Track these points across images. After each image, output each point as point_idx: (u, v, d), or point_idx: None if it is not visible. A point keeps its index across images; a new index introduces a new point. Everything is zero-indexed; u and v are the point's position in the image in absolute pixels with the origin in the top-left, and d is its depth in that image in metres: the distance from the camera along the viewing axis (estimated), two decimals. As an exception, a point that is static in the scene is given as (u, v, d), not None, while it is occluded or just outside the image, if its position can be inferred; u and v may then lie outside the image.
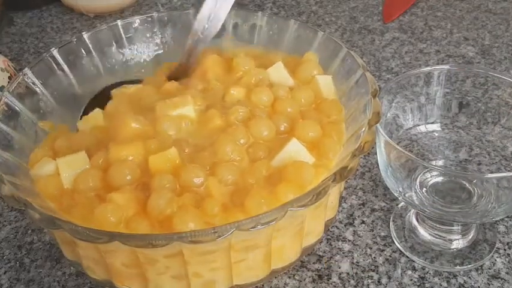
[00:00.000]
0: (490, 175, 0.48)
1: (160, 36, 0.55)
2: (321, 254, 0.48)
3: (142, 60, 0.54)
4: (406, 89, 0.50)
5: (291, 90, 0.47)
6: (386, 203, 0.52)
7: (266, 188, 0.39)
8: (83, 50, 0.51)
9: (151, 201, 0.38)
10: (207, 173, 0.40)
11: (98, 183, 0.40)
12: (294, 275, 0.46)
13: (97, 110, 0.46)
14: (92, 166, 0.41)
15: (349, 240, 0.49)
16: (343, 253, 0.48)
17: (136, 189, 0.40)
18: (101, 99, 0.48)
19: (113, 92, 0.49)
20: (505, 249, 0.47)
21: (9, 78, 0.61)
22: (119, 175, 0.40)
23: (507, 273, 0.46)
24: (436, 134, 0.52)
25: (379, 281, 0.45)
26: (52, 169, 0.42)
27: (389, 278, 0.46)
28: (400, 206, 0.52)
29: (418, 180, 0.48)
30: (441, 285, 0.45)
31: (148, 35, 0.54)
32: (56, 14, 0.86)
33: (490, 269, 0.46)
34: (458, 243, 0.47)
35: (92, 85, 0.51)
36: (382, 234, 0.49)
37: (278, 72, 0.48)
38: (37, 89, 0.48)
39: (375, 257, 0.47)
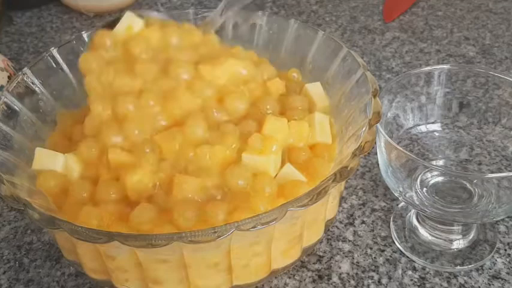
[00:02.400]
0: (490, 175, 0.48)
1: (160, 35, 0.54)
2: (321, 254, 0.48)
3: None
4: (407, 89, 0.50)
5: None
6: (387, 203, 0.52)
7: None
8: (82, 50, 0.51)
9: (133, 214, 0.38)
10: None
11: (86, 193, 0.41)
12: (294, 275, 0.46)
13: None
14: (82, 177, 0.42)
15: (349, 240, 0.49)
16: (344, 253, 0.48)
17: (119, 204, 0.40)
18: None
19: None
20: (505, 250, 0.47)
21: (9, 77, 0.60)
22: (103, 194, 0.40)
23: (508, 273, 0.45)
24: (437, 134, 0.52)
25: (379, 281, 0.45)
26: (60, 163, 0.42)
27: (389, 278, 0.45)
28: (400, 206, 0.51)
29: (418, 180, 0.48)
30: (442, 285, 0.45)
31: (148, 35, 0.54)
32: (55, 14, 0.86)
33: (490, 269, 0.46)
34: (459, 243, 0.47)
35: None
36: (383, 234, 0.49)
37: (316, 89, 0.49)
38: (36, 89, 0.47)
39: (375, 257, 0.47)
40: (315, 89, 0.48)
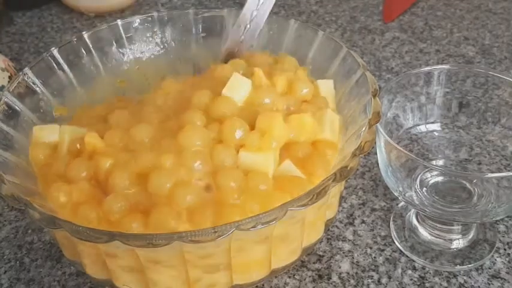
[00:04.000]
0: (490, 175, 0.48)
1: (160, 35, 0.54)
2: (321, 253, 0.48)
3: (142, 60, 0.54)
4: (407, 89, 0.50)
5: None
6: (387, 203, 0.52)
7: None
8: (83, 50, 0.51)
9: (106, 202, 0.39)
10: None
11: (62, 169, 0.42)
12: (294, 275, 0.46)
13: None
14: (68, 150, 0.43)
15: (349, 240, 0.49)
16: (343, 253, 0.48)
17: (89, 184, 0.40)
18: None
19: None
20: (505, 249, 0.47)
21: (10, 77, 0.60)
22: (73, 171, 0.41)
23: (507, 272, 0.46)
24: (436, 134, 0.52)
25: (379, 281, 0.45)
26: (55, 134, 0.44)
27: (389, 277, 0.46)
28: (400, 205, 0.52)
29: (418, 180, 0.48)
30: (441, 284, 0.45)
31: (148, 35, 0.54)
32: (56, 14, 0.86)
33: (490, 268, 0.46)
34: (459, 243, 0.47)
35: (92, 85, 0.51)
36: (382, 233, 0.49)
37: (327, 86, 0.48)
38: (37, 89, 0.47)
39: (375, 257, 0.47)
40: (326, 87, 0.48)
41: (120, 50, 0.53)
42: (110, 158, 0.41)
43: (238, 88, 0.44)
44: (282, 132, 0.41)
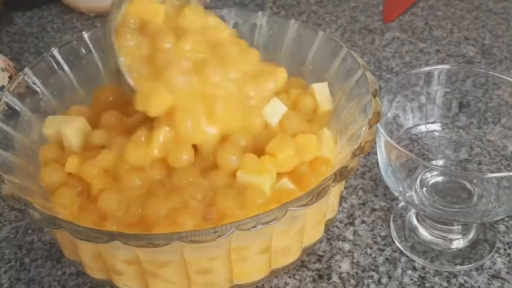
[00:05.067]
0: (490, 175, 0.48)
1: (160, 35, 0.54)
2: (321, 253, 0.48)
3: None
4: (407, 89, 0.50)
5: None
6: (387, 203, 0.52)
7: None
8: (83, 50, 0.51)
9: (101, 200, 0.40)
10: None
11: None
12: (294, 275, 0.46)
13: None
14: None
15: (350, 240, 0.49)
16: (344, 253, 0.48)
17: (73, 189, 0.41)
18: None
19: None
20: (505, 249, 0.47)
21: (10, 77, 0.60)
22: (47, 178, 0.42)
23: (507, 272, 0.46)
24: (437, 134, 0.52)
25: (379, 281, 0.45)
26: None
27: (389, 277, 0.46)
28: (400, 205, 0.52)
29: (418, 180, 0.48)
30: (441, 284, 0.45)
31: (148, 35, 0.54)
32: (56, 14, 0.86)
33: (490, 268, 0.46)
34: (459, 243, 0.48)
35: (93, 85, 0.51)
36: (383, 233, 0.49)
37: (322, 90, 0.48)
38: (37, 89, 0.47)
39: (375, 257, 0.47)
40: (321, 90, 0.48)
41: (120, 50, 0.53)
42: (99, 186, 0.41)
43: (275, 112, 0.44)
44: (290, 155, 0.42)
